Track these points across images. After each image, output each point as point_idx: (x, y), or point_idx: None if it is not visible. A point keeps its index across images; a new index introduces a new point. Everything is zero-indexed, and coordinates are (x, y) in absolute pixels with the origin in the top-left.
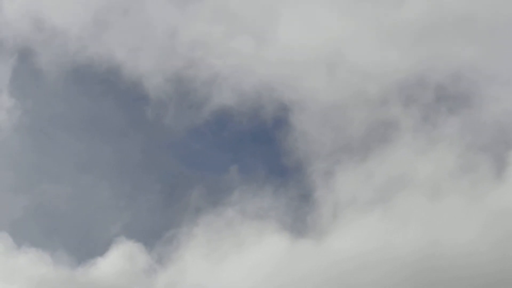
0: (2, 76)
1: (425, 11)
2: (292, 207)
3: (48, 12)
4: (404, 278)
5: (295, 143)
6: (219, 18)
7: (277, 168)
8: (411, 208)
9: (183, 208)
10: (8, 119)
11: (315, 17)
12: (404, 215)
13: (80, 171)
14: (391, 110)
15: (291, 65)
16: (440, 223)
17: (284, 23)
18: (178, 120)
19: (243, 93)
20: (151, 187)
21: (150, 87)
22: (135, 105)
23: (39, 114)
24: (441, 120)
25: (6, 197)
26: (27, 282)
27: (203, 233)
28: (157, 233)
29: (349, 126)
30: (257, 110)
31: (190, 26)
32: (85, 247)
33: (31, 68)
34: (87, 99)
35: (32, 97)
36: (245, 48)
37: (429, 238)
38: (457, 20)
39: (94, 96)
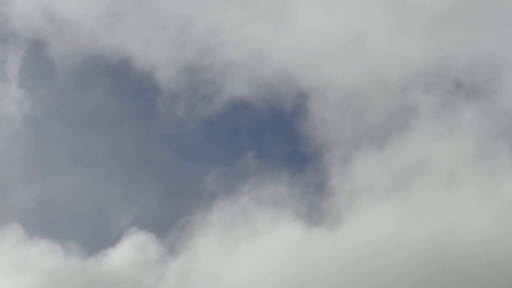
0: (12, 68)
1: None
2: (308, 195)
3: (60, 4)
4: (417, 265)
5: (313, 130)
6: (234, 4)
7: (294, 156)
8: (427, 196)
9: (197, 195)
10: (18, 111)
11: (335, 3)
12: (420, 203)
13: (91, 162)
14: (410, 97)
15: (310, 51)
16: (455, 211)
17: (303, 9)
18: (192, 110)
19: (260, 80)
20: (163, 177)
21: (162, 78)
22: (147, 96)
23: (50, 106)
24: (460, 107)
25: (17, 188)
26: (38, 273)
27: (217, 220)
28: (169, 222)
29: (368, 113)
30: (275, 97)
31: (204, 15)
32: (96, 238)
33: (42, 59)
34: (99, 90)
35: (42, 89)
36: (262, 35)
37: (443, 226)
38: (477, 7)
39: (106, 87)
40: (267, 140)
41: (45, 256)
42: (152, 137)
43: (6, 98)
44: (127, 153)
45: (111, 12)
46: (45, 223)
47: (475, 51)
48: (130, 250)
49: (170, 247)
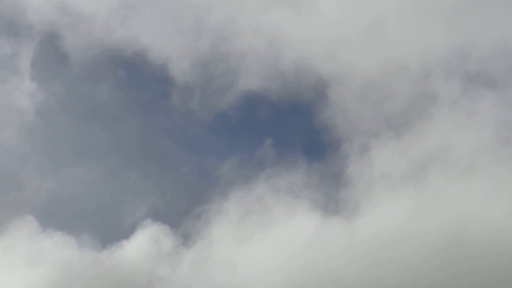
0: (25, 61)
1: None
2: (325, 185)
3: None
4: (433, 253)
5: (332, 119)
6: None
7: (313, 144)
8: (444, 184)
9: (213, 184)
10: (31, 103)
11: None
12: (437, 191)
13: (105, 154)
14: (430, 85)
15: (329, 39)
16: (471, 199)
17: None
18: (206, 103)
19: (277, 69)
20: (177, 169)
21: (176, 71)
22: (161, 89)
23: (63, 98)
24: (480, 96)
25: (31, 181)
26: (52, 266)
27: (233, 209)
28: (184, 212)
29: (387, 101)
30: (292, 86)
31: (219, 4)
32: (110, 231)
33: (56, 52)
34: (112, 83)
35: (56, 82)
36: (280, 23)
37: (460, 214)
38: None
39: (120, 80)
40: (286, 128)
41: (59, 249)
42: (166, 129)
43: (18, 91)
44: (140, 145)
45: (125, 5)
46: (59, 216)
47: (496, 38)
48: (144, 242)
49: (185, 238)
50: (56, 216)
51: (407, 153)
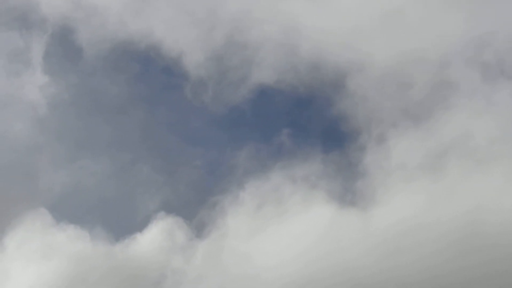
0: (39, 54)
1: None
2: (342, 175)
3: None
4: (449, 243)
5: (350, 108)
6: None
7: (330, 134)
8: (461, 173)
9: (229, 172)
10: (43, 97)
11: None
12: (454, 181)
13: (119, 147)
14: (450, 74)
15: (348, 28)
16: (489, 189)
17: None
18: (220, 95)
19: (296, 59)
20: (191, 161)
21: (190, 64)
22: (174, 82)
23: (77, 92)
24: (499, 84)
25: (44, 174)
26: (65, 259)
27: (249, 198)
28: (198, 204)
29: (406, 90)
30: (311, 75)
31: None
32: (124, 224)
33: (70, 46)
34: (126, 76)
35: (70, 75)
36: (297, 12)
37: (477, 204)
38: None
39: (133, 73)
40: (304, 117)
41: (72, 242)
42: (179, 122)
43: (31, 84)
44: (154, 138)
45: None
46: (72, 209)
47: None
48: (158, 235)
49: (199, 230)
50: (69, 209)
51: (425, 143)
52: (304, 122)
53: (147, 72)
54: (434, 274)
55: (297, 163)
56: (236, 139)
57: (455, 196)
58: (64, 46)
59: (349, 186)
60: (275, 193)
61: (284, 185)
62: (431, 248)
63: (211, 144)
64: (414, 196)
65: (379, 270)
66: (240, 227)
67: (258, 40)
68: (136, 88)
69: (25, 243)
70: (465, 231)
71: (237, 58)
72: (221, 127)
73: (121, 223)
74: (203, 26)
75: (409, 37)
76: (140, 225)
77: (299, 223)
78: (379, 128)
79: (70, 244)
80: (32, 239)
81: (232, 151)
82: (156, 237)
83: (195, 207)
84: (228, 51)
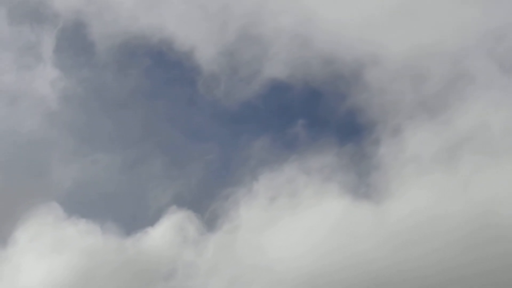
0: (51, 48)
1: None
2: (356, 167)
3: None
4: (462, 235)
5: (366, 100)
6: None
7: (346, 126)
8: (477, 165)
9: (243, 164)
10: (54, 91)
11: None
12: (469, 172)
13: (130, 141)
14: (467, 66)
15: (364, 19)
16: (504, 180)
17: None
18: (232, 90)
19: (310, 52)
20: (203, 156)
21: (202, 58)
22: (186, 77)
23: (89, 86)
24: None
25: (55, 168)
26: (76, 253)
27: (262, 190)
28: (210, 196)
29: (423, 82)
30: (327, 68)
31: None
32: (135, 218)
33: (81, 40)
34: (138, 71)
35: (83, 69)
36: (313, 4)
37: (491, 195)
38: None
39: (145, 68)
40: (319, 108)
41: (83, 236)
42: (191, 117)
43: (42, 78)
44: (165, 132)
45: None
46: (83, 203)
47: None
48: (169, 229)
49: (211, 223)
50: (81, 204)
51: (440, 135)
52: (320, 113)
53: (159, 67)
54: (447, 267)
55: (312, 155)
56: (250, 130)
57: (469, 189)
58: (76, 41)
59: (363, 179)
60: (289, 185)
61: (298, 177)
62: (445, 241)
63: (224, 137)
64: (428, 189)
65: (392, 263)
66: (253, 219)
67: (271, 34)
68: (148, 83)
69: (37, 237)
70: (479, 223)
71: (249, 52)
72: (233, 121)
73: (132, 218)
74: (216, 21)
75: (425, 29)
76: (151, 219)
77: (312, 215)
78: (395, 121)
79: (81, 238)
80: (44, 233)
81: (247, 141)
82: (168, 231)
83: (207, 200)
84: (240, 46)
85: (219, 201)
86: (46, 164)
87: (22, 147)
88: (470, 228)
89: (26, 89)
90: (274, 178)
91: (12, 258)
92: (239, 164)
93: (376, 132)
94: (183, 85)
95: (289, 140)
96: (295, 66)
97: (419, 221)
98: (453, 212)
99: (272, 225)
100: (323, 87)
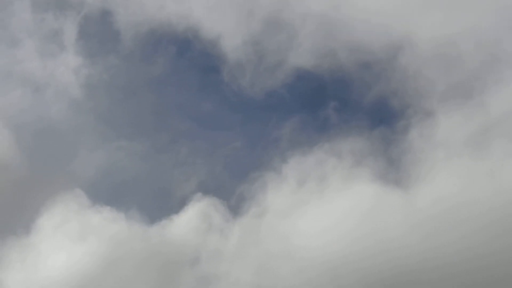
0: (74, 36)
1: None
2: (387, 151)
3: None
4: (491, 222)
5: (400, 83)
6: None
7: (378, 109)
8: (506, 151)
9: (272, 146)
10: (79, 79)
11: None
12: (499, 157)
13: (155, 128)
14: (502, 49)
15: (396, 3)
16: None
17: None
18: (258, 79)
19: (341, 37)
20: (229, 143)
21: (228, 47)
22: (212, 65)
23: (114, 74)
24: None
25: (80, 155)
26: (100, 240)
27: (291, 173)
28: (236, 183)
29: (457, 66)
30: (357, 53)
31: None
32: (160, 206)
33: (107, 28)
34: (164, 59)
35: (107, 57)
36: None
37: None
38: None
39: (171, 56)
40: (351, 91)
41: (107, 224)
42: (216, 104)
43: (65, 66)
44: (190, 119)
45: None
46: (108, 190)
47: None
48: (194, 217)
49: (236, 209)
50: (105, 191)
51: (472, 119)
52: (351, 97)
53: (185, 55)
54: (476, 253)
55: (342, 138)
56: (278, 117)
57: (498, 175)
58: (100, 28)
59: (392, 164)
60: (318, 169)
61: (328, 160)
62: (473, 228)
63: (250, 124)
64: (457, 175)
65: (422, 250)
66: (280, 204)
67: (298, 22)
68: (173, 71)
69: (61, 225)
70: (507, 210)
71: (275, 41)
72: (259, 110)
73: (157, 205)
74: (242, 9)
75: (458, 13)
76: (176, 207)
77: (340, 201)
78: (427, 105)
79: (106, 226)
80: (68, 220)
81: (277, 122)
82: (193, 219)
83: (233, 185)
84: (266, 35)
85: (246, 185)
86: (70, 152)
87: (46, 134)
88: (498, 215)
89: (49, 77)
90: (303, 162)
91: (36, 246)
92: (267, 147)
93: (408, 116)
94: (208, 74)
95: (319, 123)
96: (321, 54)
97: (447, 208)
98: (481, 199)
99: (299, 210)
100: (351, 75)
